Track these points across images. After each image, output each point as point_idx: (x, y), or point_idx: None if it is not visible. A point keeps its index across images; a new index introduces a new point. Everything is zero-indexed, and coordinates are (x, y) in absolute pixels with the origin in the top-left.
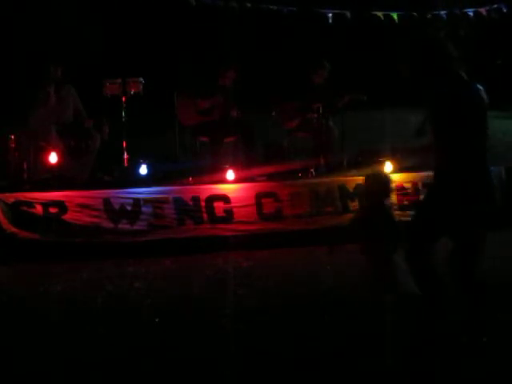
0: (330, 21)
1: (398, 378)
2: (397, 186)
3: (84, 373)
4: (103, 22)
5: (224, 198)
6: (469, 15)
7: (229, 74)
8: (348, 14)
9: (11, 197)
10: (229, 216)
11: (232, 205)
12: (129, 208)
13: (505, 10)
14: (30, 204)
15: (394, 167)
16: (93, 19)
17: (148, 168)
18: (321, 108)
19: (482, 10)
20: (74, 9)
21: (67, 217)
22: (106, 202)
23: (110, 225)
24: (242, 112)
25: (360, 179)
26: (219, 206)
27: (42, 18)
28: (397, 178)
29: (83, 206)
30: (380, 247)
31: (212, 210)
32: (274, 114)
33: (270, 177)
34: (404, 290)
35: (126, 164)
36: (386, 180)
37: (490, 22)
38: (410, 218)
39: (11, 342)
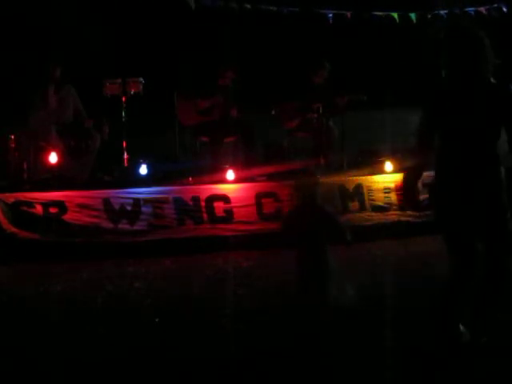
0: (331, 21)
1: (397, 378)
2: (397, 186)
3: (84, 373)
4: (103, 22)
5: (224, 198)
6: (469, 14)
7: (228, 74)
8: (348, 14)
9: (11, 197)
10: (229, 216)
11: (232, 205)
12: (129, 208)
13: (505, 10)
14: (30, 204)
15: (393, 167)
16: (93, 19)
17: (148, 168)
18: (321, 108)
19: (482, 9)
20: (74, 9)
21: (67, 217)
22: (106, 201)
23: (110, 225)
24: (242, 112)
25: (360, 179)
26: (219, 206)
27: (41, 17)
28: (397, 178)
29: (83, 206)
30: (310, 249)
31: (212, 210)
32: (273, 113)
33: (269, 177)
34: (335, 303)
35: (126, 164)
36: (315, 182)
37: (490, 22)
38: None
39: (11, 342)
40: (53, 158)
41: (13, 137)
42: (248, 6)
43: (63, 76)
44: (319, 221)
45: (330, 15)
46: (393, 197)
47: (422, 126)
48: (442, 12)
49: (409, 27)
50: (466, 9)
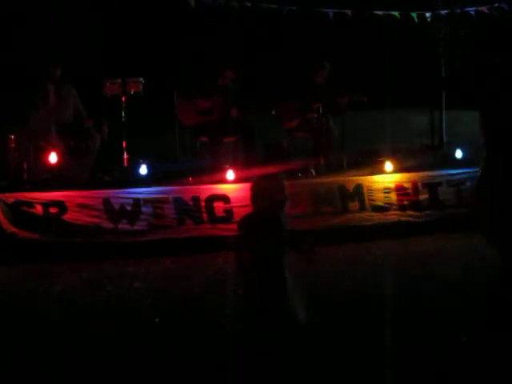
0: (331, 18)
1: (397, 378)
2: (397, 186)
3: (84, 373)
4: (103, 22)
5: (224, 198)
6: (470, 14)
7: (227, 73)
8: (349, 13)
9: (11, 197)
10: (229, 216)
11: (232, 205)
12: (129, 208)
13: (506, 9)
14: (30, 204)
15: (393, 167)
16: (93, 19)
17: (148, 168)
18: (321, 108)
19: (484, 9)
20: (74, 9)
21: (67, 217)
22: (106, 202)
23: (110, 225)
24: (243, 112)
25: (360, 179)
26: (219, 205)
27: (41, 17)
28: (397, 178)
29: (83, 206)
30: (262, 260)
31: (212, 210)
32: (273, 113)
33: None
34: (292, 318)
35: (125, 164)
36: (276, 185)
37: (491, 21)
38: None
39: (11, 342)
40: (53, 158)
41: (13, 137)
42: (248, 4)
43: (63, 76)
44: (275, 228)
45: (330, 13)
46: (393, 197)
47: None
48: (442, 12)
49: (409, 27)
50: (467, 8)
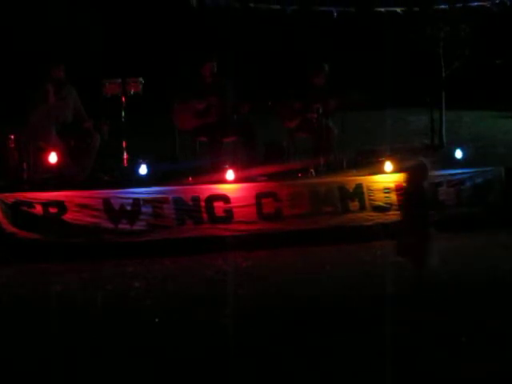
0: (335, 15)
1: (397, 378)
2: (397, 186)
3: (84, 373)
4: (103, 22)
5: (224, 198)
6: (472, 8)
7: (205, 68)
8: (352, 10)
9: (11, 197)
10: (229, 216)
11: (232, 205)
12: (128, 208)
13: (508, 4)
14: (30, 204)
15: (393, 167)
16: (93, 19)
17: (148, 168)
18: (321, 108)
19: (486, 4)
20: (75, 9)
21: (67, 217)
22: (106, 202)
23: (110, 225)
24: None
25: (360, 179)
26: (219, 205)
27: (42, 17)
28: (397, 178)
29: (83, 206)
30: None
31: (212, 210)
32: (270, 104)
33: (270, 177)
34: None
35: (125, 164)
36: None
37: (493, 17)
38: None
39: (11, 342)
40: (53, 158)
41: (13, 137)
42: (251, 5)
43: (65, 75)
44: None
45: (334, 12)
46: (393, 197)
47: None
48: (444, 6)
49: (408, 27)
50: (469, 3)
